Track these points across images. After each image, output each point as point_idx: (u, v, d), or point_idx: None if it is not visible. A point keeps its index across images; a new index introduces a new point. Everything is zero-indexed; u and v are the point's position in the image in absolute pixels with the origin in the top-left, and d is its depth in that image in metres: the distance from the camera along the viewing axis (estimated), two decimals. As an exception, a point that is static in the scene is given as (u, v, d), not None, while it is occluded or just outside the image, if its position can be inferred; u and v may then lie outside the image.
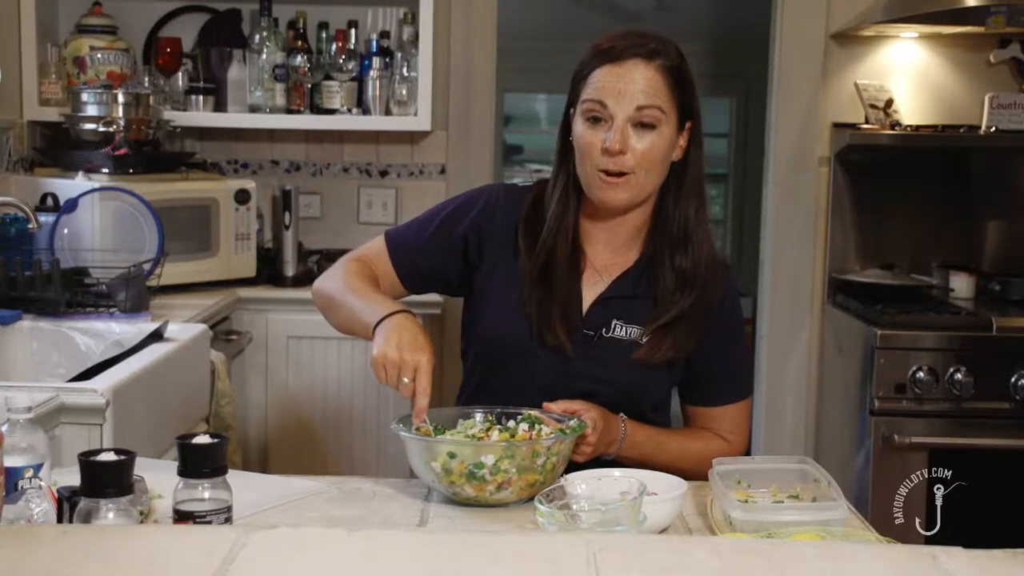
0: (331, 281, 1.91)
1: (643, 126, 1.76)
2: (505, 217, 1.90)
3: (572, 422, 1.67)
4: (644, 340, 1.83)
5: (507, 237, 1.89)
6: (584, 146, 1.79)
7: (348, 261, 1.94)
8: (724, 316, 1.90)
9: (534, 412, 1.69)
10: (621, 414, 1.80)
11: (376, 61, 3.47)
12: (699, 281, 1.84)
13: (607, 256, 1.89)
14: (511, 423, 1.68)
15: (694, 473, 1.74)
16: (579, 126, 1.80)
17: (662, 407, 1.92)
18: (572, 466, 1.65)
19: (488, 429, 1.67)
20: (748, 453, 1.95)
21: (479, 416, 1.71)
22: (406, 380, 1.65)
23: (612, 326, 1.84)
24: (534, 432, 1.64)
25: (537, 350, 1.84)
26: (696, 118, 1.84)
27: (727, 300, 1.90)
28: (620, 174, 1.77)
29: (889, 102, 3.56)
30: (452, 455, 1.56)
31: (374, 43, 3.51)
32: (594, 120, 1.78)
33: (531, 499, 1.51)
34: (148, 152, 3.21)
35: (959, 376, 3.11)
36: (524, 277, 1.85)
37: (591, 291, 1.87)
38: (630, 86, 1.75)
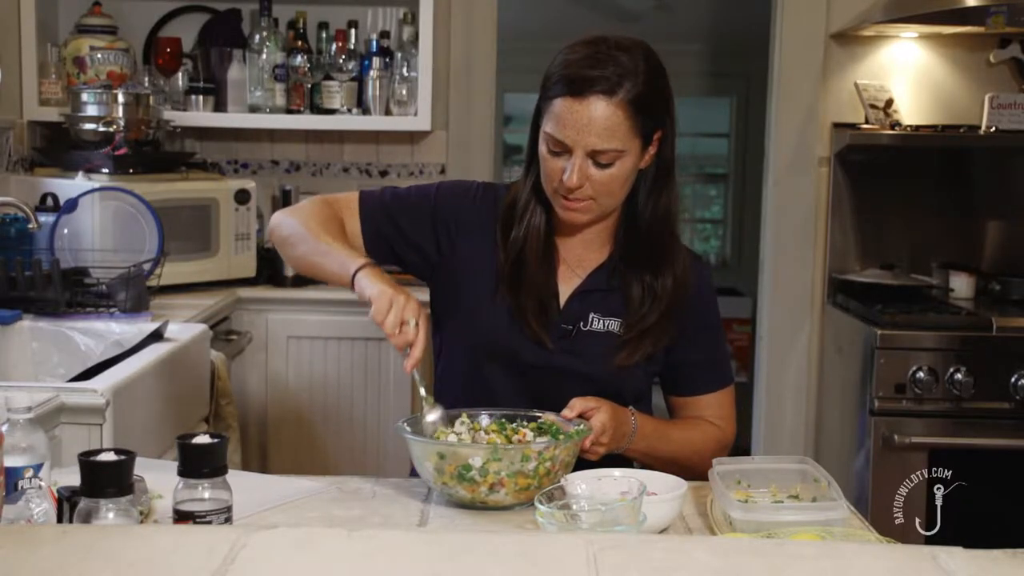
0: (295, 218, 1.87)
1: (602, 162, 1.75)
2: (482, 214, 1.90)
3: (578, 427, 1.67)
4: (621, 331, 1.85)
5: (483, 234, 1.88)
6: (547, 169, 1.80)
7: (317, 203, 1.89)
8: (700, 308, 1.92)
9: (553, 417, 1.69)
10: (631, 407, 1.81)
11: (376, 61, 3.47)
12: (667, 294, 1.85)
13: (581, 251, 1.90)
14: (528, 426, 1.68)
15: (695, 461, 1.77)
16: (542, 146, 1.79)
17: (643, 398, 1.93)
18: (579, 464, 1.65)
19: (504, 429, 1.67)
20: (748, 453, 1.97)
21: (485, 420, 1.71)
22: (413, 322, 1.63)
23: (589, 319, 1.86)
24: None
25: (516, 345, 1.84)
26: (668, 124, 1.81)
27: (701, 291, 1.92)
28: (580, 199, 1.78)
29: (889, 102, 3.56)
30: (442, 456, 1.56)
31: (374, 43, 3.51)
32: (556, 147, 1.77)
33: (529, 503, 1.51)
34: (148, 152, 3.21)
35: (959, 376, 3.11)
36: (499, 273, 1.85)
37: (567, 286, 1.88)
38: (589, 125, 1.72)
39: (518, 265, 1.85)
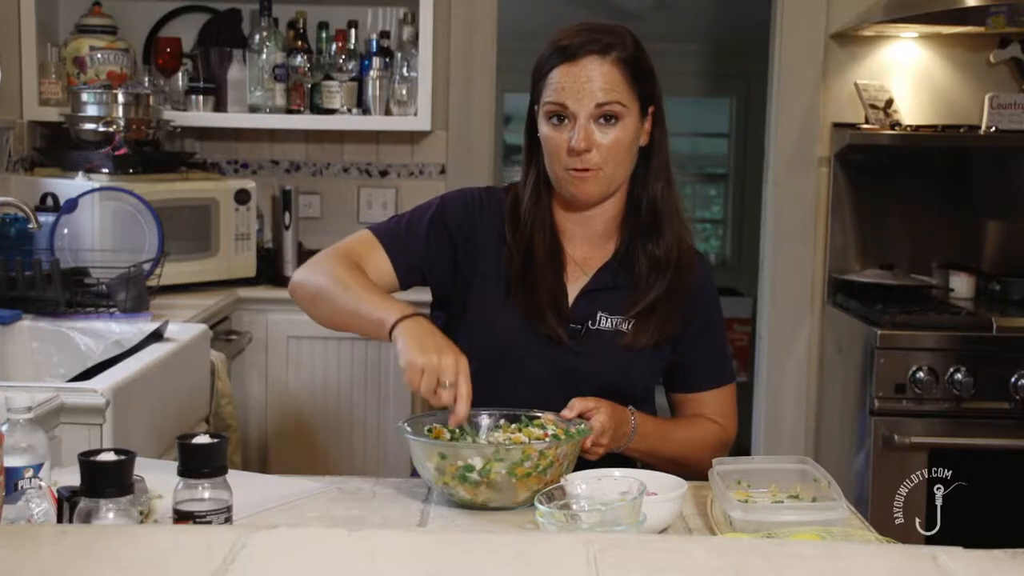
0: (319, 275, 1.84)
1: (606, 120, 1.78)
2: (489, 219, 1.91)
3: (579, 427, 1.67)
4: (628, 327, 1.85)
5: (491, 239, 1.89)
6: (551, 147, 1.81)
7: (335, 255, 1.87)
8: (703, 304, 1.93)
9: (552, 417, 1.69)
10: (631, 407, 1.81)
11: (376, 61, 3.47)
12: (672, 263, 1.86)
13: (586, 250, 1.91)
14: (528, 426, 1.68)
15: (696, 460, 1.77)
16: (544, 126, 1.82)
17: (648, 396, 1.93)
18: (579, 464, 1.65)
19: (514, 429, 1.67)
20: (748, 453, 1.97)
21: (485, 420, 1.70)
22: (448, 384, 1.60)
23: (598, 318, 1.87)
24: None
25: (527, 346, 1.84)
26: (658, 102, 1.86)
27: (704, 288, 1.94)
28: (588, 169, 1.80)
29: (889, 102, 3.56)
30: (443, 456, 1.56)
31: (374, 43, 3.51)
32: (558, 119, 1.80)
33: (529, 504, 1.51)
34: (148, 152, 3.21)
35: (959, 376, 3.11)
36: (509, 275, 1.86)
37: (574, 286, 1.89)
38: (588, 84, 1.77)
39: (527, 262, 1.86)
